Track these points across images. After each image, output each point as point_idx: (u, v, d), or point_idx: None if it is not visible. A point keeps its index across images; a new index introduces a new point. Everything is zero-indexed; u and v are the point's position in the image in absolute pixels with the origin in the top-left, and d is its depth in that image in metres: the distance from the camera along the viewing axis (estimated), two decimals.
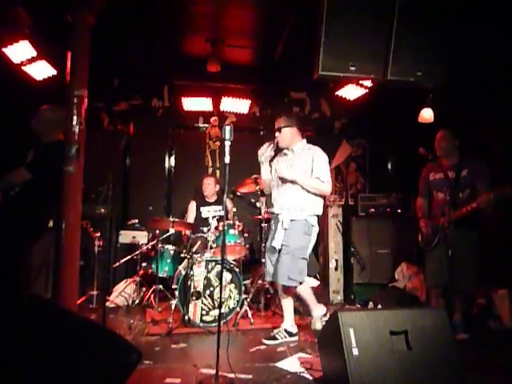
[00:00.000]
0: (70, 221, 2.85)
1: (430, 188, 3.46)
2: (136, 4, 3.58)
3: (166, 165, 5.42)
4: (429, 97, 4.09)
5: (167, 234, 4.12)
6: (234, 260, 3.89)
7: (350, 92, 4.63)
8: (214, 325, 3.39)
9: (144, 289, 4.43)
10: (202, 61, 4.45)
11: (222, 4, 3.65)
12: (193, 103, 5.10)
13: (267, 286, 3.99)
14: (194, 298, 3.45)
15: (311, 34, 2.53)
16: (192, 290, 3.44)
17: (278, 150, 3.19)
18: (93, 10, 2.93)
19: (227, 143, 2.39)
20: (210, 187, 4.53)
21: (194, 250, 3.67)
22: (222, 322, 2.39)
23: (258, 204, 4.35)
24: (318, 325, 3.22)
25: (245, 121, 5.30)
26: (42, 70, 3.91)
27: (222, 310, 3.37)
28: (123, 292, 4.30)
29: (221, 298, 2.48)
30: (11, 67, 3.74)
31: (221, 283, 2.50)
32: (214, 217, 4.01)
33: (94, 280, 4.15)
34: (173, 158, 5.45)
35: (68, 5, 2.90)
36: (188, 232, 4.37)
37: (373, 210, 4.81)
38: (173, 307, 3.47)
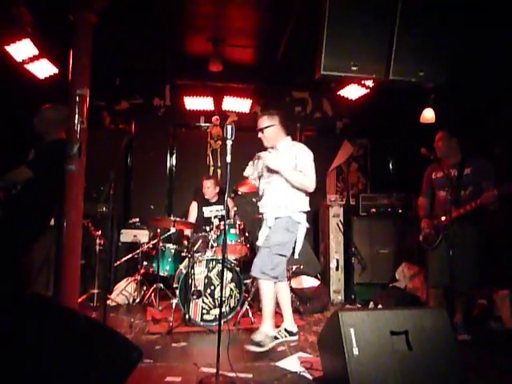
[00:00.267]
0: (71, 219, 2.86)
1: (433, 187, 3.47)
2: (138, 3, 3.59)
3: (168, 164, 5.42)
4: (430, 97, 4.09)
5: (168, 233, 4.12)
6: (234, 259, 3.89)
7: (352, 92, 4.63)
8: (214, 324, 3.41)
9: (145, 287, 4.44)
10: (203, 60, 4.45)
11: (223, 4, 3.66)
12: (194, 102, 5.10)
13: None
14: (195, 296, 3.45)
15: (313, 33, 2.52)
16: (193, 288, 3.44)
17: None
18: (95, 10, 2.95)
19: (229, 142, 2.38)
20: (209, 190, 4.48)
21: (194, 249, 3.68)
22: (222, 321, 2.38)
23: (258, 203, 4.33)
24: (258, 337, 2.83)
25: (246, 120, 5.29)
26: (43, 69, 3.93)
27: (223, 309, 3.35)
28: (124, 291, 4.31)
29: (221, 297, 2.48)
30: (14, 65, 3.75)
31: (222, 282, 2.49)
32: (216, 216, 4.01)
33: (95, 278, 4.15)
34: (174, 157, 5.45)
35: (70, 4, 2.92)
36: (188, 232, 4.38)
37: (374, 209, 4.82)
38: (173, 306, 3.47)
